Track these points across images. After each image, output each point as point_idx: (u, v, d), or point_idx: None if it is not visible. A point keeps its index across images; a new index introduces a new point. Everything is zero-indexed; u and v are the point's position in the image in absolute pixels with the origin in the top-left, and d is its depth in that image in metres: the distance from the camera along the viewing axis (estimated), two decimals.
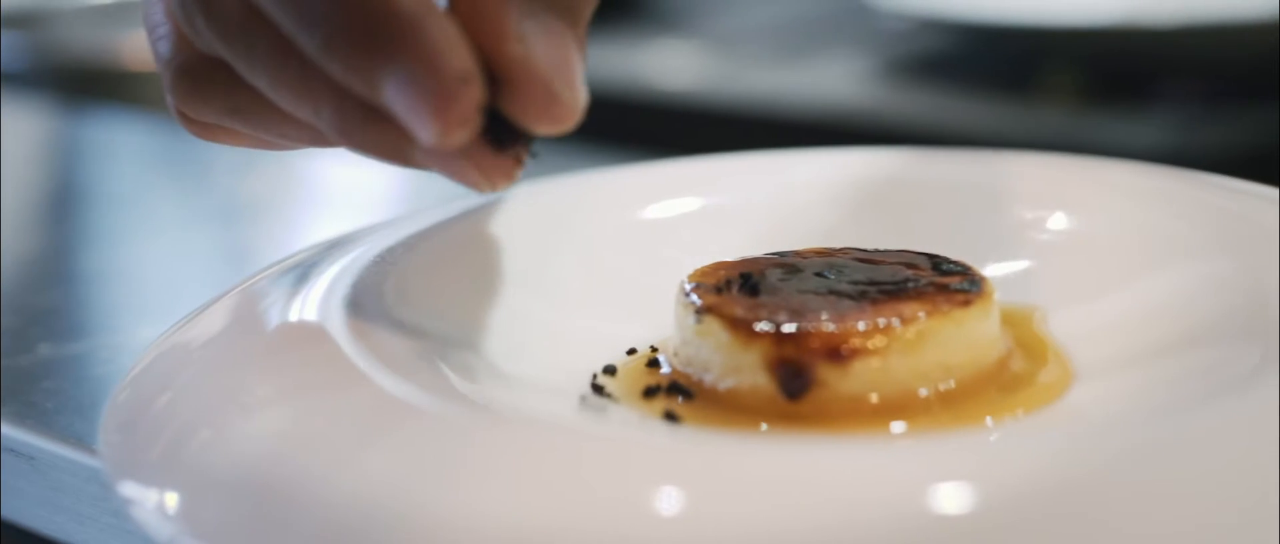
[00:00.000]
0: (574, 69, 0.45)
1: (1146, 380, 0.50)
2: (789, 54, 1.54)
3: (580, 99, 0.45)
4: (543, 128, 0.45)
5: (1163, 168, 0.62)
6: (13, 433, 0.61)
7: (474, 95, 0.43)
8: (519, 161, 0.47)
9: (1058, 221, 0.61)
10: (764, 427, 0.50)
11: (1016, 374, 0.53)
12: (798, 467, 0.40)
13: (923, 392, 0.50)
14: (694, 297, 0.53)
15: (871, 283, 0.54)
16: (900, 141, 0.71)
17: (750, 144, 0.73)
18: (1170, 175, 0.61)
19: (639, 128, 1.42)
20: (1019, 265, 0.59)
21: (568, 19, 0.46)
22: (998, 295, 0.54)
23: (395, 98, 0.42)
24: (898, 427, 0.49)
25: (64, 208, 1.10)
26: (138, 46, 1.45)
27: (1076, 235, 0.60)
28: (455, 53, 0.42)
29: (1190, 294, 0.54)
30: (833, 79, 1.45)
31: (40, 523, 0.61)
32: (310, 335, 0.50)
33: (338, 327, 0.51)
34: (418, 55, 0.42)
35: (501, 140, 0.46)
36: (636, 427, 0.51)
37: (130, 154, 1.28)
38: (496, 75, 0.44)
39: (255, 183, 1.12)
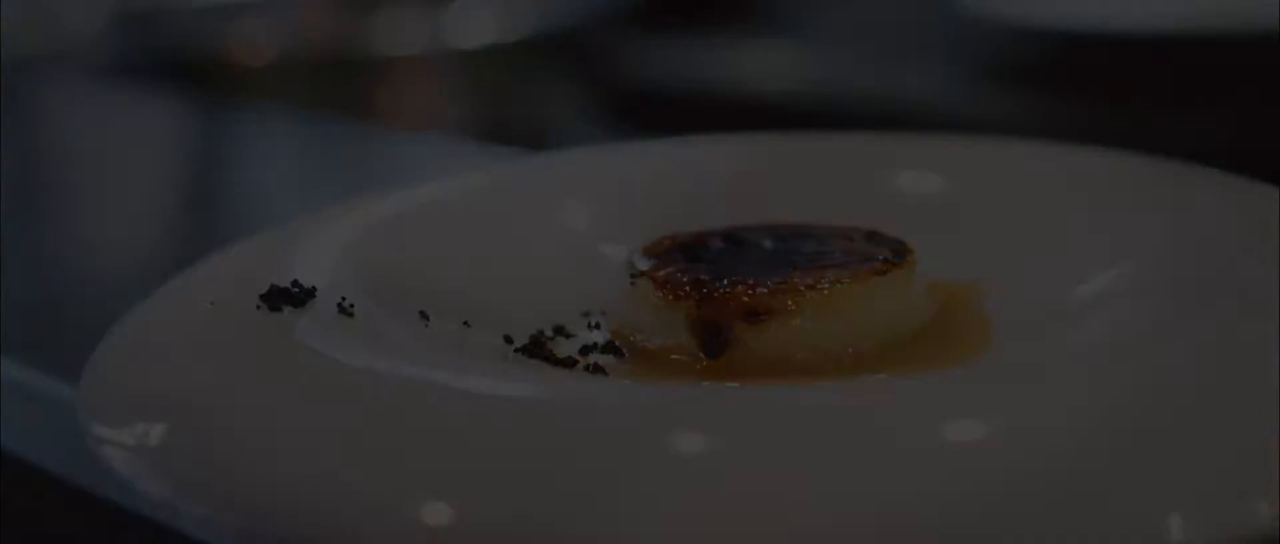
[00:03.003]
0: None
1: (1064, 338, 0.52)
2: (884, 59, 1.56)
3: None
4: None
5: (1099, 149, 0.64)
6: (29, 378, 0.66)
7: None
8: None
9: (996, 200, 0.63)
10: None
11: (936, 338, 0.55)
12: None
13: (841, 353, 0.53)
14: (633, 262, 0.57)
15: (802, 253, 0.56)
16: None
17: None
18: (1103, 155, 0.64)
19: (736, 127, 1.44)
20: (960, 241, 0.61)
21: None
22: (932, 269, 0.56)
23: None
24: None
25: (161, 196, 1.15)
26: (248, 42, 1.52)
27: (1011, 213, 0.62)
28: None
29: (1113, 262, 0.56)
30: (926, 84, 1.47)
31: (56, 464, 0.66)
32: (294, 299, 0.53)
33: (323, 286, 0.54)
34: None
35: None
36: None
37: (244, 146, 1.32)
38: None
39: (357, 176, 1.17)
